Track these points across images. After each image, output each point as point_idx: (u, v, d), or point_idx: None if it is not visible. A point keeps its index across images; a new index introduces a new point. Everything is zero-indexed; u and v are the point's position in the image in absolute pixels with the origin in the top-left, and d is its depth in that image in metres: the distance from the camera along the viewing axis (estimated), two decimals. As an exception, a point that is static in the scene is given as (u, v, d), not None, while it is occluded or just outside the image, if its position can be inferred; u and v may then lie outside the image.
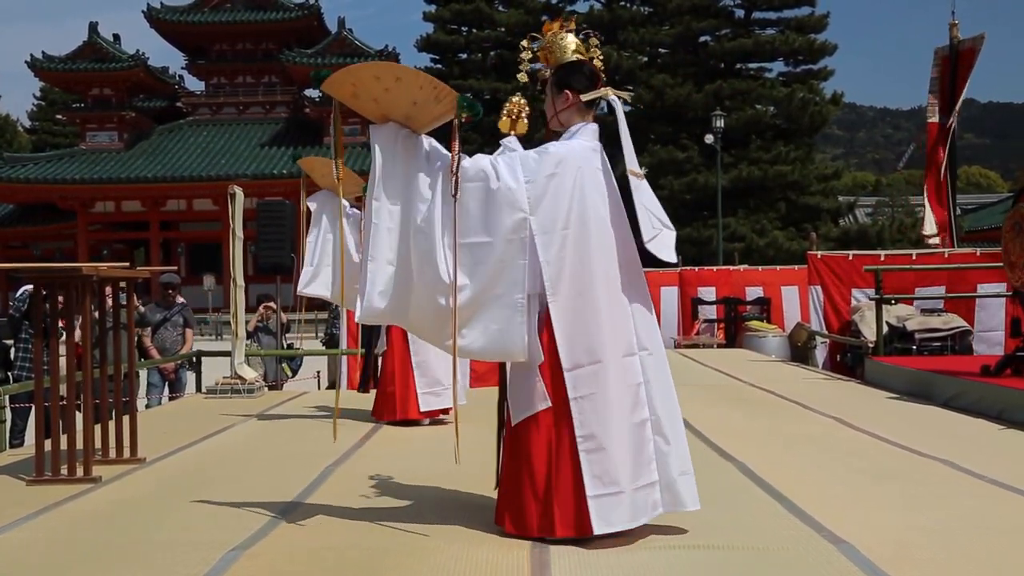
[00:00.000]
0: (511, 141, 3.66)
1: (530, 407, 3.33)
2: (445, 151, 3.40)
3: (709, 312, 15.42)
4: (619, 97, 3.56)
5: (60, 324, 5.48)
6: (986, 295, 10.87)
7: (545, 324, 3.34)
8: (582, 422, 3.27)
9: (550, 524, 3.27)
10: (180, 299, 10.07)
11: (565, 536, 3.26)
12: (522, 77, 3.60)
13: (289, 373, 11.25)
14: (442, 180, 3.36)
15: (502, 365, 3.58)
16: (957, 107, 13.36)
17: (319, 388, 11.90)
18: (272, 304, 11.22)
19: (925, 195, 13.91)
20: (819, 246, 14.83)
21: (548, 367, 3.33)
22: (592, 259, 3.36)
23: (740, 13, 36.13)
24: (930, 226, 13.65)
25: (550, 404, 3.31)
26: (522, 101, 3.85)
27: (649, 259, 3.50)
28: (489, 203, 3.32)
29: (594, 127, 3.52)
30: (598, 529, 3.22)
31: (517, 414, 3.37)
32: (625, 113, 3.57)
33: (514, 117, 3.78)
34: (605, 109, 3.77)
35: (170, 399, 9.30)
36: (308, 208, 6.25)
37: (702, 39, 35.89)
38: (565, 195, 3.35)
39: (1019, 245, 6.87)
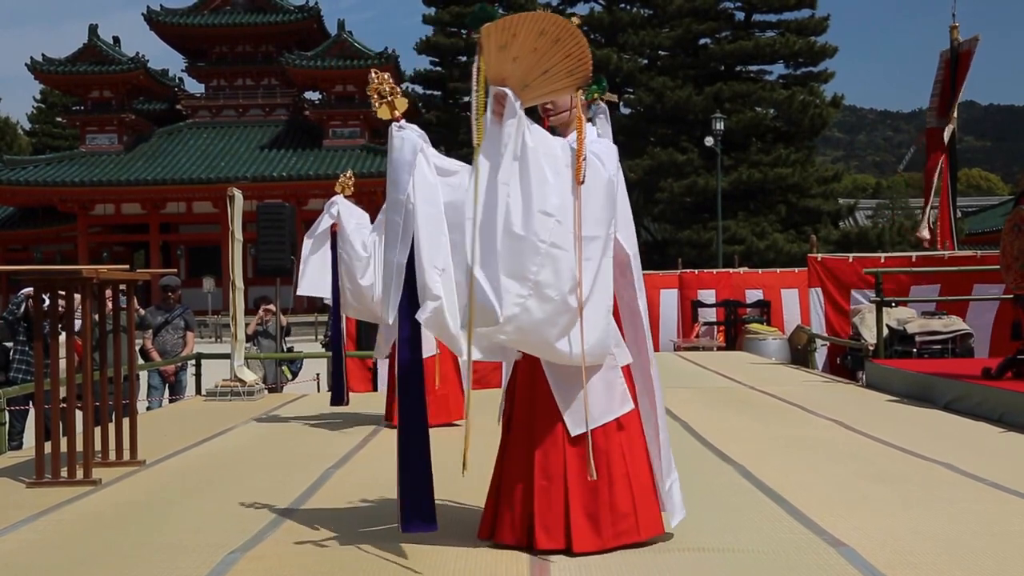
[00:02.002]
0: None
1: (609, 412, 3.18)
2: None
3: (709, 315, 15.42)
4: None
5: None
6: (981, 298, 10.85)
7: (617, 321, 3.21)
8: (661, 411, 3.31)
9: (633, 528, 3.19)
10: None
11: (651, 537, 3.24)
12: None
13: (289, 376, 11.24)
14: (562, 163, 3.00)
15: (536, 370, 3.20)
16: (954, 110, 13.38)
17: (318, 391, 11.89)
18: (271, 307, 11.20)
19: (936, 200, 13.93)
20: (819, 249, 14.82)
21: (627, 367, 3.24)
22: None
23: (740, 15, 36.16)
24: (925, 229, 13.73)
25: (633, 406, 3.21)
26: (386, 76, 3.50)
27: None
28: (600, 194, 3.06)
29: None
30: (682, 515, 3.33)
31: (588, 422, 3.12)
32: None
33: (388, 98, 3.46)
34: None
35: (170, 401, 9.30)
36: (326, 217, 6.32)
37: (702, 41, 35.91)
38: (624, 190, 3.28)
39: (1018, 247, 6.86)
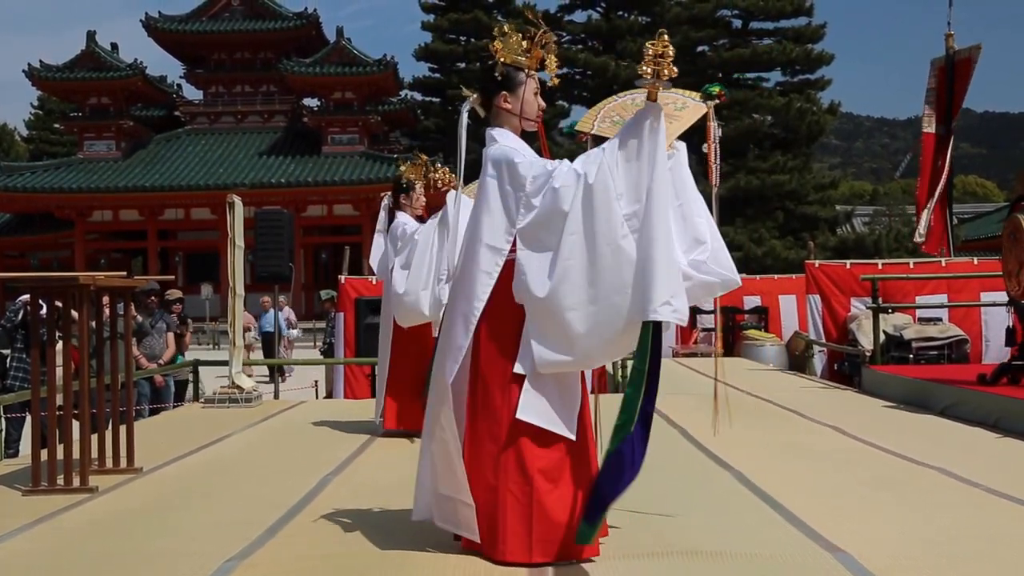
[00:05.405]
0: None
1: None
2: None
3: (707, 321, 15.41)
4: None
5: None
6: (991, 304, 10.84)
7: None
8: None
9: None
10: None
11: None
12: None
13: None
14: None
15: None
16: (955, 118, 13.39)
17: (316, 397, 11.90)
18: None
19: (930, 204, 13.88)
20: (817, 255, 14.84)
21: None
22: None
23: (738, 23, 36.23)
24: (919, 234, 13.69)
25: None
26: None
27: None
28: None
29: None
30: None
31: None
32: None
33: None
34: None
35: (152, 410, 9.19)
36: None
37: (700, 49, 35.96)
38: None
39: (1016, 255, 6.88)
